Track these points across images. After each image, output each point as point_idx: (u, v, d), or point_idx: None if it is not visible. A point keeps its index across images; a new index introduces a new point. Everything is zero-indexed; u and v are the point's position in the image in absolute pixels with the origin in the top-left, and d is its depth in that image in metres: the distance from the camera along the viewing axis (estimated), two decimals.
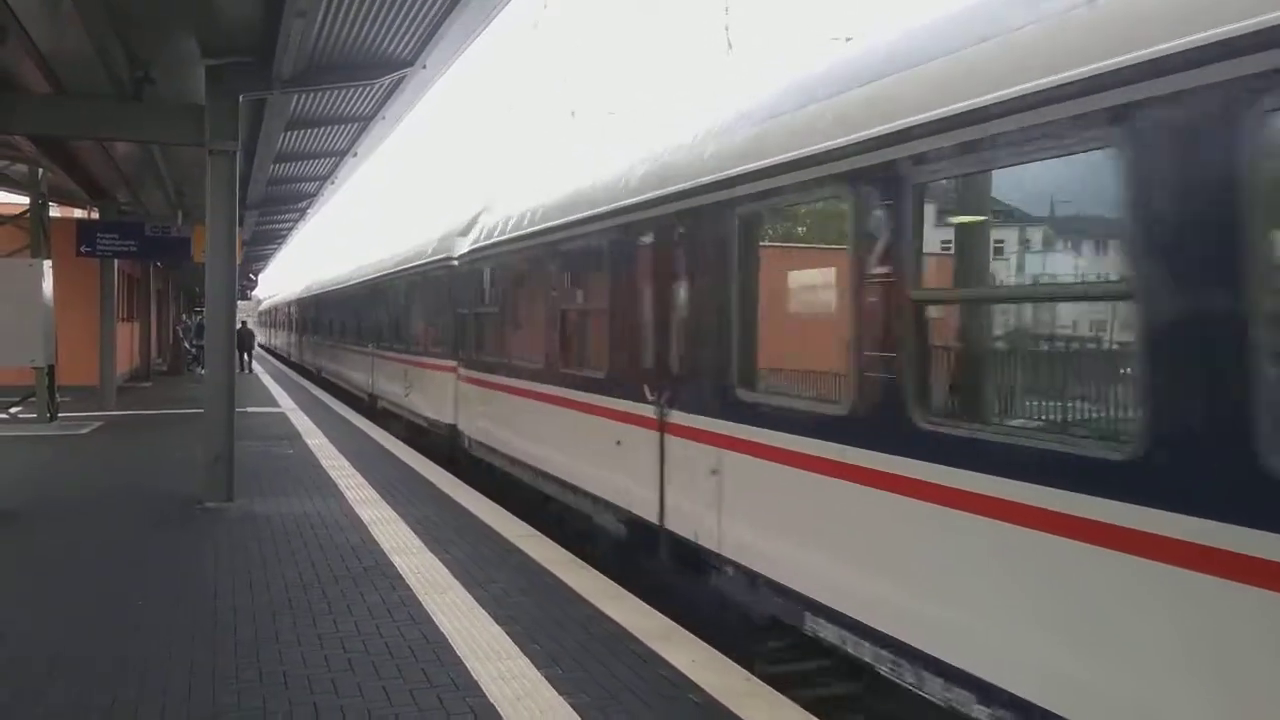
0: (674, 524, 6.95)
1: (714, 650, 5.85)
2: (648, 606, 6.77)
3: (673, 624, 6.37)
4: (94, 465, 13.63)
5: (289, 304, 47.09)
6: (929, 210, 4.79)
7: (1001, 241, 4.84)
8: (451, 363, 13.86)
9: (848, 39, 6.42)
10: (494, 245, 11.77)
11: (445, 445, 14.31)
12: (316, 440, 16.25)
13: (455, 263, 13.92)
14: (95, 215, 22.25)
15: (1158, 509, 3.41)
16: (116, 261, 22.06)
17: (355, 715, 4.96)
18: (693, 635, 6.15)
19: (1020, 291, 4.83)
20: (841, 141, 5.14)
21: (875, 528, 4.90)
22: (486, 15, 10.73)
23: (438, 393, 14.68)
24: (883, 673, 4.78)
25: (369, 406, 21.42)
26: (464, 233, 13.93)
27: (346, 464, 13.51)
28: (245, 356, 34.00)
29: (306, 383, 31.36)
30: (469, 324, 13.08)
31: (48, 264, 15.44)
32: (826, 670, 5.61)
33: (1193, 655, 3.35)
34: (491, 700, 5.11)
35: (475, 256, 12.77)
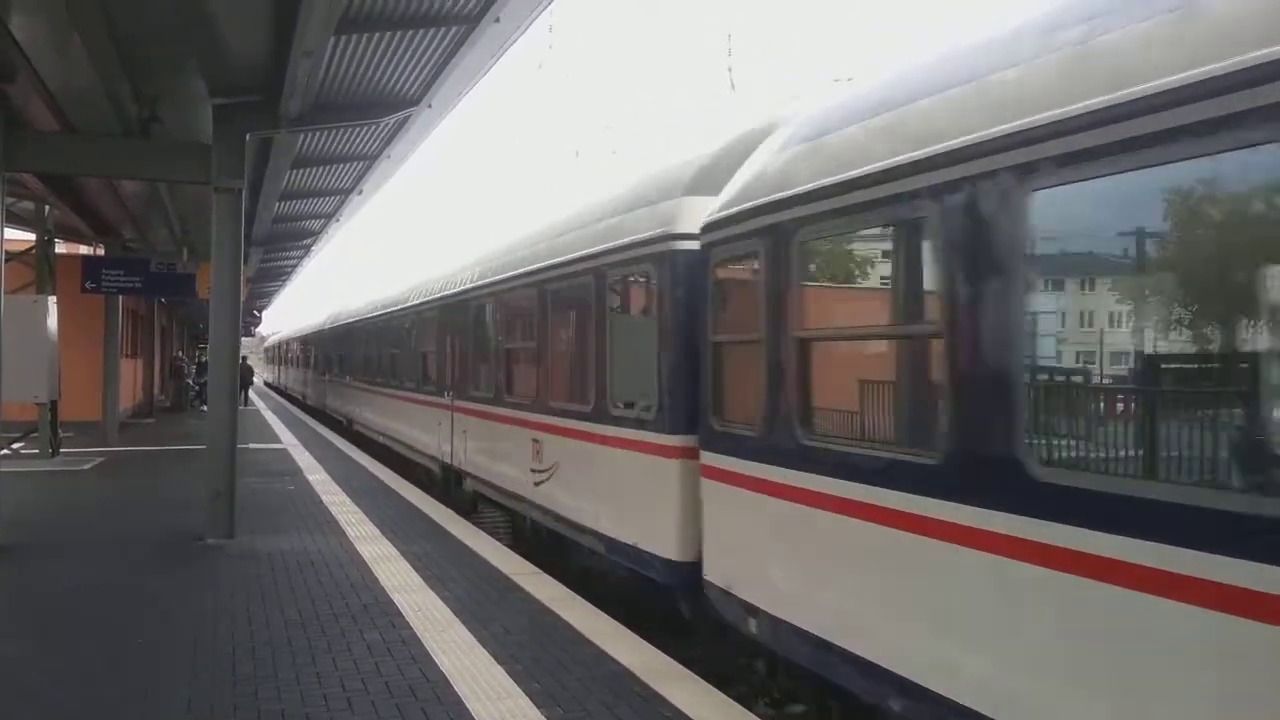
0: None
1: (717, 691, 5.79)
2: (650, 645, 6.71)
3: (675, 663, 6.32)
4: (95, 501, 13.59)
5: (305, 338, 39.61)
6: None
7: None
8: (674, 440, 7.35)
9: (849, 79, 6.46)
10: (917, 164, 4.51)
11: (634, 585, 8.21)
12: (318, 476, 16.21)
13: (686, 245, 7.36)
14: (101, 252, 22.37)
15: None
16: (121, 298, 22.16)
17: None
18: (695, 675, 6.09)
19: None
20: None
21: None
22: (492, 55, 10.85)
23: (634, 494, 8.01)
24: None
25: (442, 481, 14.76)
26: (694, 187, 7.55)
27: (347, 500, 13.46)
28: (244, 392, 34.22)
29: (305, 417, 31.34)
30: (740, 365, 6.44)
31: (52, 300, 15.52)
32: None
33: None
34: None
35: (793, 216, 5.57)
